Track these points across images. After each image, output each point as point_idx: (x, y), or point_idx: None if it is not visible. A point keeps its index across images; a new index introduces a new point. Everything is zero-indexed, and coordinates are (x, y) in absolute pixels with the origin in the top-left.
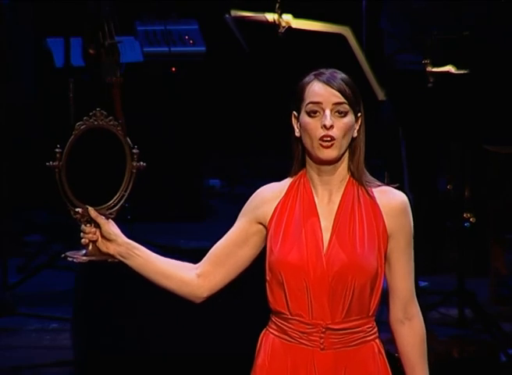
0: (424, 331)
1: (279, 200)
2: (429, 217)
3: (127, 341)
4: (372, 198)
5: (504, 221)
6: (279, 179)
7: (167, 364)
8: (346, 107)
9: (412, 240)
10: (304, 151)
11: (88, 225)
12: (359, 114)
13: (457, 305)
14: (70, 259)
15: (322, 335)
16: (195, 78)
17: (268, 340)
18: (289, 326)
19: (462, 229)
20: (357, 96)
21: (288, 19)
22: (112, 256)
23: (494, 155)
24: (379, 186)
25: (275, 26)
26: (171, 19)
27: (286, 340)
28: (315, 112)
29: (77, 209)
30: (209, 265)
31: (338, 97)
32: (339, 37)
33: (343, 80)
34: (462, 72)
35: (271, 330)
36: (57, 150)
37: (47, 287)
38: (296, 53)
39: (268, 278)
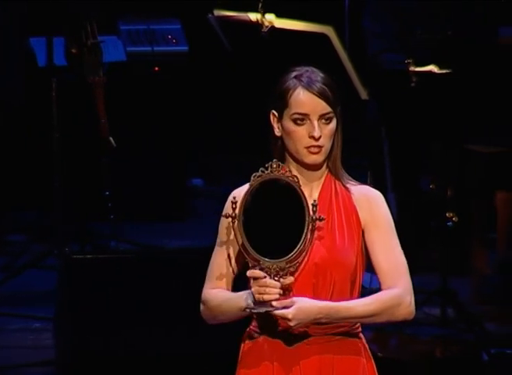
0: (391, 301)
1: None
2: (412, 217)
3: (110, 341)
4: (348, 192)
5: (487, 220)
6: None
7: (149, 363)
8: (332, 114)
9: (391, 230)
10: (284, 150)
11: (276, 279)
12: (337, 110)
13: (440, 304)
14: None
15: (306, 329)
16: (178, 77)
17: (253, 338)
18: (274, 321)
19: (445, 228)
20: (336, 96)
21: (271, 18)
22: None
23: (476, 154)
24: (358, 184)
25: (258, 25)
26: (154, 18)
27: (271, 336)
28: (302, 120)
29: (262, 262)
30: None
31: (324, 107)
32: (322, 37)
33: (324, 84)
34: (445, 72)
35: (254, 328)
36: (232, 200)
37: (30, 287)
38: (280, 53)
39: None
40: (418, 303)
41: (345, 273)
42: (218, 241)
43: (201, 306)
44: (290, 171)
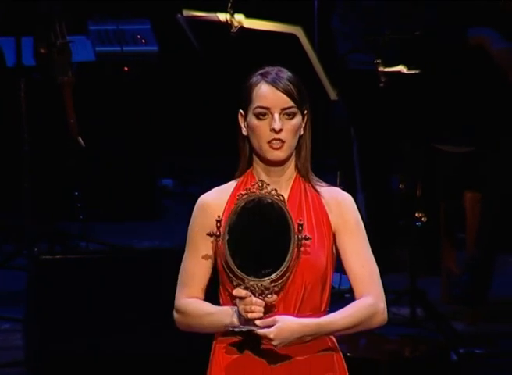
0: (368, 310)
1: (224, 207)
2: (381, 216)
3: (79, 342)
4: (318, 194)
5: (455, 220)
6: (231, 179)
7: (119, 365)
8: (294, 109)
9: (363, 234)
10: (251, 150)
11: (261, 298)
12: (305, 112)
13: (409, 304)
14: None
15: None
16: (147, 78)
17: (222, 344)
18: (257, 339)
19: (414, 228)
20: (303, 95)
21: (240, 18)
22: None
23: (445, 154)
24: (327, 186)
25: (227, 25)
26: (123, 18)
27: (239, 338)
28: (264, 114)
29: (246, 281)
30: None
31: (286, 101)
32: (292, 37)
33: (289, 81)
34: (413, 72)
35: (222, 335)
36: (217, 219)
37: None
38: (249, 53)
39: (220, 280)
40: (387, 303)
41: (315, 276)
42: (188, 246)
43: (176, 314)
44: (268, 184)
